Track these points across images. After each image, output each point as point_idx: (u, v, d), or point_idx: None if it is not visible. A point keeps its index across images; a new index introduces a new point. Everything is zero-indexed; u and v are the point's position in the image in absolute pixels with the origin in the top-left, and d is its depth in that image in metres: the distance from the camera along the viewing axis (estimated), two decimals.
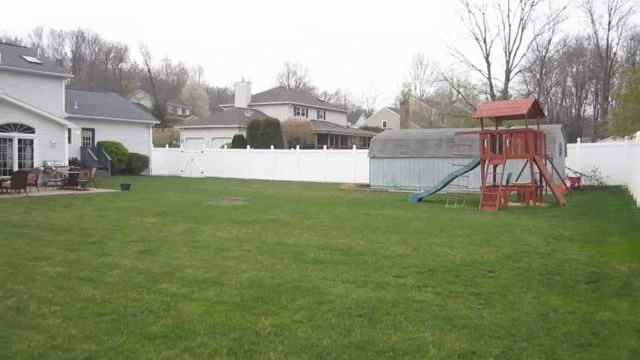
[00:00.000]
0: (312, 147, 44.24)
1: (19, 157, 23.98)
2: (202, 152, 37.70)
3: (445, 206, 16.51)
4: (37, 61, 31.88)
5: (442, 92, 67.22)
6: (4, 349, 4.49)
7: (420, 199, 18.57)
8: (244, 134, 43.66)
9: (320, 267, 7.67)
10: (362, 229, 11.50)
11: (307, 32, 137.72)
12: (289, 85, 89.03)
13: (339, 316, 5.40)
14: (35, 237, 10.28)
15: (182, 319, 5.31)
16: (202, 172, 35.51)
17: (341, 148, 47.86)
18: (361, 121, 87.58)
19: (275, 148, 34.96)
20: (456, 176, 17.99)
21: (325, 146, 36.42)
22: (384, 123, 70.78)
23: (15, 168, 23.31)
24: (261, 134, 41.28)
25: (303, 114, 55.03)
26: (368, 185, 26.29)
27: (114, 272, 7.36)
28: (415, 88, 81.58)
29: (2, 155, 23.38)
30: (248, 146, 38.00)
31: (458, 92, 56.60)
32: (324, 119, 58.78)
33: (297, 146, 36.55)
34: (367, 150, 28.07)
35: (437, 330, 4.99)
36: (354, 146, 35.16)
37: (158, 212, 14.46)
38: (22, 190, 20.06)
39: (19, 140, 23.94)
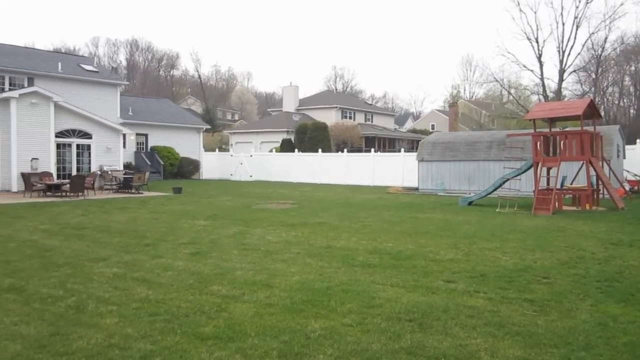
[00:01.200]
0: (359, 150, 44.17)
1: (77, 161, 25.06)
2: (251, 156, 38.24)
3: (497, 210, 16.15)
4: (94, 69, 33.17)
5: (492, 94, 65.79)
6: (65, 346, 4.68)
7: (470, 203, 18.23)
8: (292, 137, 44.03)
9: (369, 271, 7.64)
10: (411, 233, 11.38)
11: (354, 35, 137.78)
12: (336, 89, 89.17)
13: (389, 320, 5.36)
14: (93, 239, 10.67)
15: (233, 320, 5.39)
16: (251, 176, 36.02)
17: (389, 151, 47.58)
18: (409, 124, 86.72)
19: (322, 152, 35.09)
20: (508, 179, 17.59)
21: (372, 149, 36.23)
22: (432, 126, 69.91)
23: (74, 172, 24.35)
24: (309, 137, 41.52)
25: (350, 117, 55.01)
26: (416, 189, 26.02)
27: (167, 273, 7.55)
28: (465, 90, 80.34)
29: (61, 160, 24.46)
30: (296, 150, 38.33)
31: (509, 93, 55.25)
32: (372, 122, 58.54)
33: (345, 150, 36.54)
34: (415, 154, 27.81)
35: (490, 337, 4.88)
36: (402, 149, 34.82)
37: (209, 215, 14.74)
38: (80, 193, 20.87)
39: (77, 146, 25.00)
